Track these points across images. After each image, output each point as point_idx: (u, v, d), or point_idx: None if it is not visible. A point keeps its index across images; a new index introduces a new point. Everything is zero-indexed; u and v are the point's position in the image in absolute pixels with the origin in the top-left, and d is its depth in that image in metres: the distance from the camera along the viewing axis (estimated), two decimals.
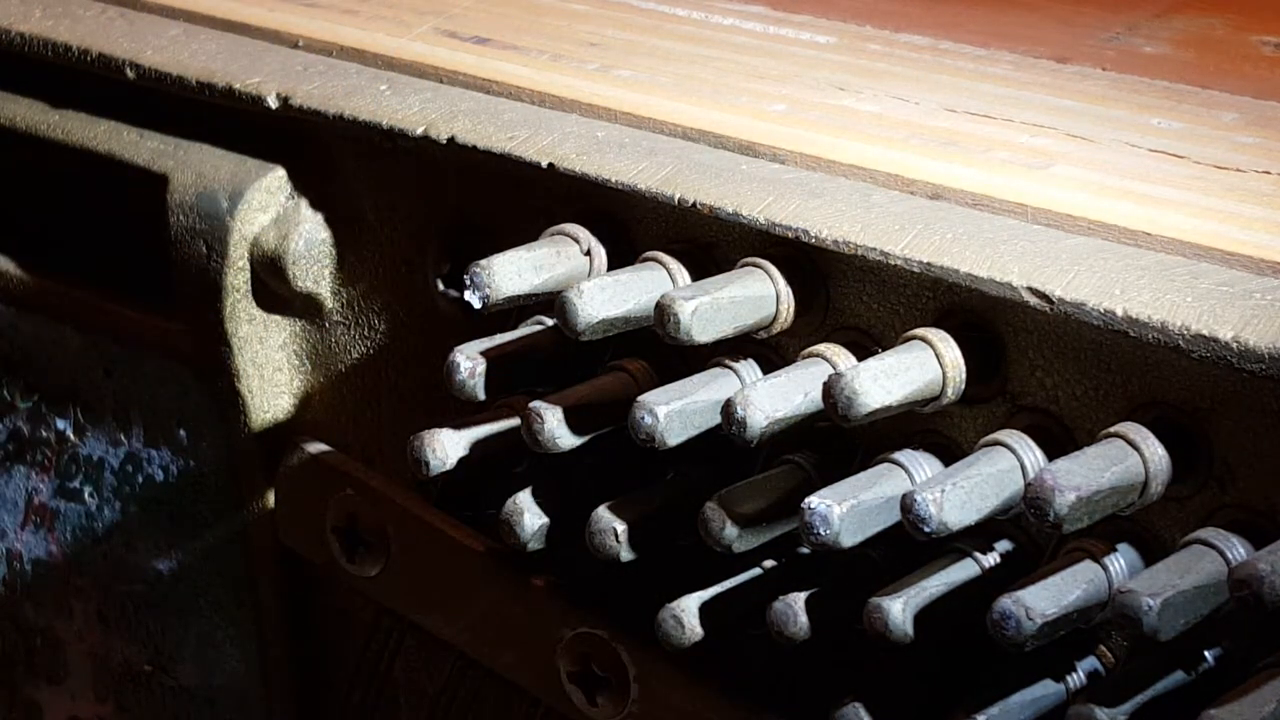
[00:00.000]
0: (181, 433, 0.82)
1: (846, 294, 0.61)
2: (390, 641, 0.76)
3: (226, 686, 0.85)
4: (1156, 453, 0.53)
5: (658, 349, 0.63)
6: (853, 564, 0.59)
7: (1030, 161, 0.63)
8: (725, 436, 0.57)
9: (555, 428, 0.61)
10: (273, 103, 0.76)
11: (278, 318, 0.79)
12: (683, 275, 0.63)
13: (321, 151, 0.77)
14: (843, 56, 0.76)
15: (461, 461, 0.65)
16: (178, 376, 0.81)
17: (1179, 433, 0.54)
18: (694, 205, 0.63)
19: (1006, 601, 0.52)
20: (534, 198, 0.69)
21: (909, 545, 0.56)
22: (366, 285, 0.77)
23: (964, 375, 0.57)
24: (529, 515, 0.64)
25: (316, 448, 0.76)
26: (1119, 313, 0.53)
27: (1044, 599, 0.52)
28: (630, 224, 0.66)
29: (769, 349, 0.63)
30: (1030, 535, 0.58)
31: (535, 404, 0.62)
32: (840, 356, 0.60)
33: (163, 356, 0.82)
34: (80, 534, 0.89)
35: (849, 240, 0.59)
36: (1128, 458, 0.53)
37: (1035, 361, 0.57)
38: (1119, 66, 0.74)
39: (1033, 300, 0.55)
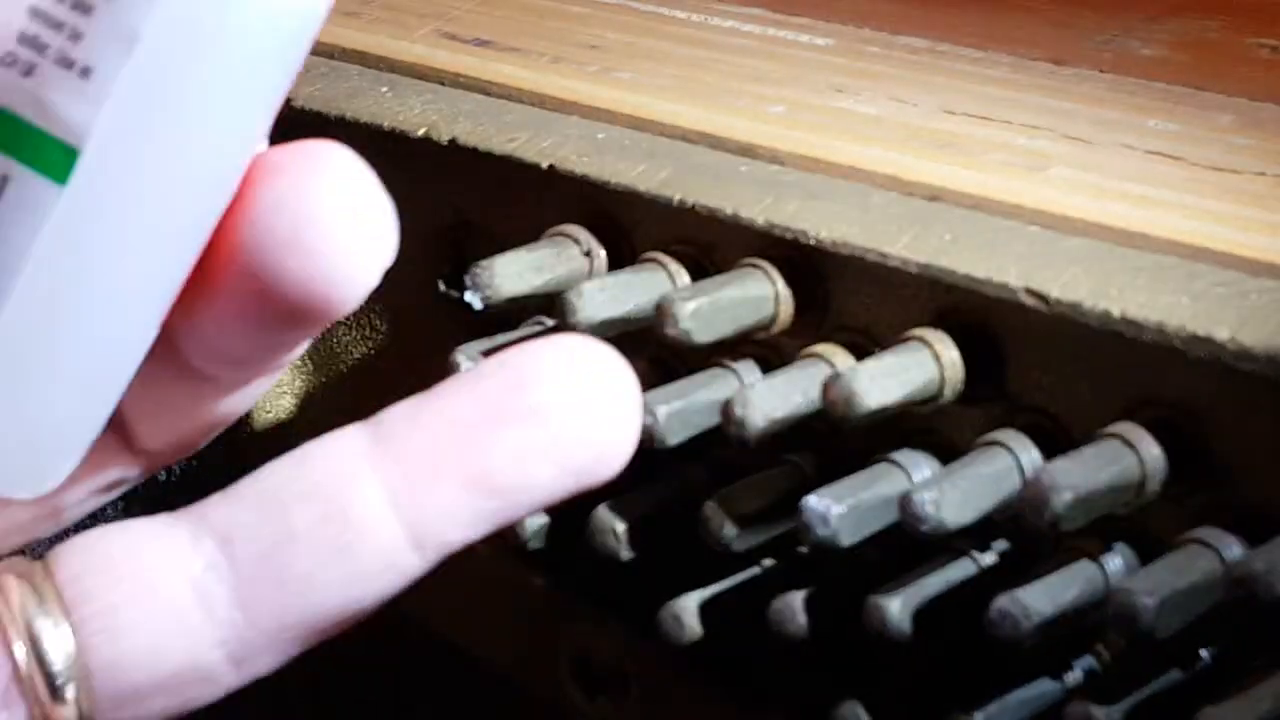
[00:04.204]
0: None
1: (845, 294, 0.61)
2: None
3: None
4: (1153, 452, 0.53)
5: (658, 349, 0.64)
6: (851, 563, 0.59)
7: (1027, 163, 0.64)
8: (725, 436, 0.58)
9: None
10: None
11: None
12: (683, 276, 0.63)
13: None
14: (841, 58, 0.77)
15: None
16: None
17: (1176, 432, 0.54)
18: (693, 206, 0.63)
19: (1004, 601, 0.52)
20: (534, 199, 0.69)
21: (908, 545, 0.56)
22: None
23: (962, 375, 0.57)
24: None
25: None
26: (1115, 313, 0.54)
27: (1041, 598, 0.52)
28: (630, 225, 0.67)
29: (769, 349, 0.63)
30: (1027, 534, 0.59)
31: None
32: (839, 356, 0.60)
33: None
34: None
35: (847, 241, 0.59)
36: (1124, 457, 0.53)
37: (1032, 361, 0.58)
38: (1116, 69, 0.74)
39: (1030, 301, 0.55)
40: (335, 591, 0.31)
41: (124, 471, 0.34)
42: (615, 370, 0.31)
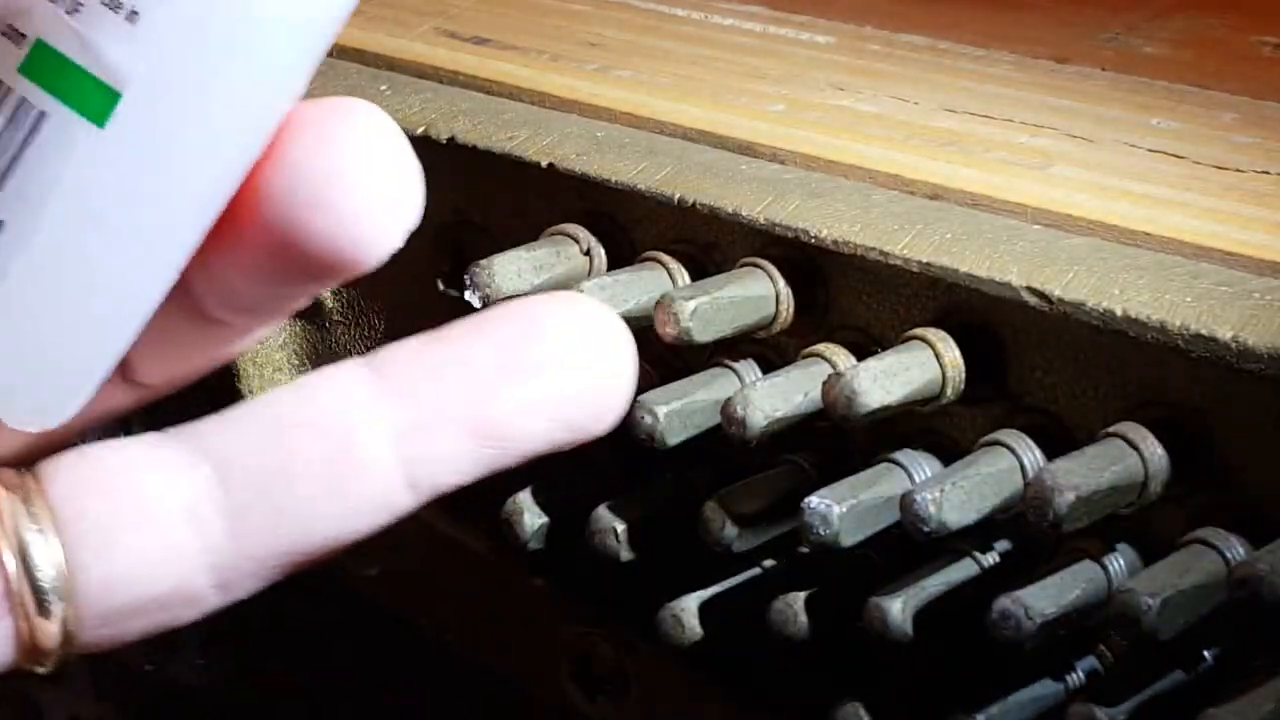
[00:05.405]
0: None
1: (846, 294, 0.61)
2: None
3: (227, 686, 0.85)
4: (1155, 452, 0.53)
5: (657, 349, 0.63)
6: (852, 564, 0.59)
7: (1030, 161, 0.64)
8: (725, 436, 0.57)
9: None
10: None
11: None
12: (683, 275, 0.63)
13: None
14: (842, 57, 0.76)
15: None
16: None
17: (1178, 432, 0.54)
18: (694, 205, 0.63)
19: (1006, 601, 0.52)
20: (534, 198, 0.69)
21: (909, 545, 0.56)
22: (366, 285, 0.77)
23: (963, 375, 0.57)
24: (529, 515, 0.64)
25: None
26: (1118, 312, 0.53)
27: (1043, 599, 0.52)
28: (630, 224, 0.66)
29: (769, 349, 0.63)
30: (1029, 535, 0.58)
31: None
32: (840, 356, 0.60)
33: None
34: None
35: (848, 240, 0.59)
36: (1127, 457, 0.53)
37: (1035, 361, 0.57)
38: (1118, 67, 0.74)
39: (1032, 300, 0.55)
40: (329, 524, 0.31)
41: (117, 401, 0.34)
42: (616, 331, 0.32)
